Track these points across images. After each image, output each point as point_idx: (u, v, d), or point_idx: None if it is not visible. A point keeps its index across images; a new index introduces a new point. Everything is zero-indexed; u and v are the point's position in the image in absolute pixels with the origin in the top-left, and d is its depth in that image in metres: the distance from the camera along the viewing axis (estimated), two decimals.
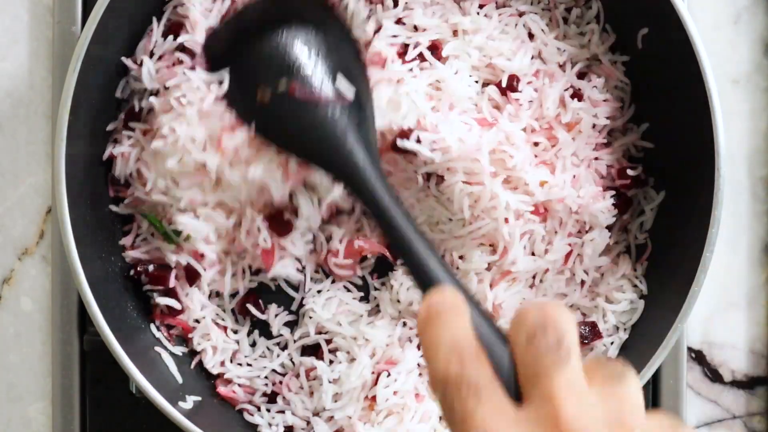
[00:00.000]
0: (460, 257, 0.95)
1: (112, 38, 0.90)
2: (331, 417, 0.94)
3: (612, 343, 0.96)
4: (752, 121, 1.07)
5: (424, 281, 0.70)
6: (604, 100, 0.96)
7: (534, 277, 0.96)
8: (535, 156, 0.94)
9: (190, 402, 0.93)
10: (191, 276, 0.95)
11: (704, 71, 0.88)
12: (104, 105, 0.94)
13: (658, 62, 0.94)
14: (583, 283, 0.97)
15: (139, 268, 0.96)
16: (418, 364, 0.95)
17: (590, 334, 0.95)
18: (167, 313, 0.96)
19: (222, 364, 0.97)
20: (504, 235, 0.93)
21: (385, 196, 0.81)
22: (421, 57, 0.94)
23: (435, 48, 0.95)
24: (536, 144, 0.95)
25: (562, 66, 0.96)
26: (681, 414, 1.02)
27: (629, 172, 0.96)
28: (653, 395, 1.02)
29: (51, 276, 1.03)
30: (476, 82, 0.95)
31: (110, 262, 0.95)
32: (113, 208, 0.96)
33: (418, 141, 0.92)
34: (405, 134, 0.92)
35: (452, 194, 0.94)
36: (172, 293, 0.96)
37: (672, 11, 0.89)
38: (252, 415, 0.96)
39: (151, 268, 0.96)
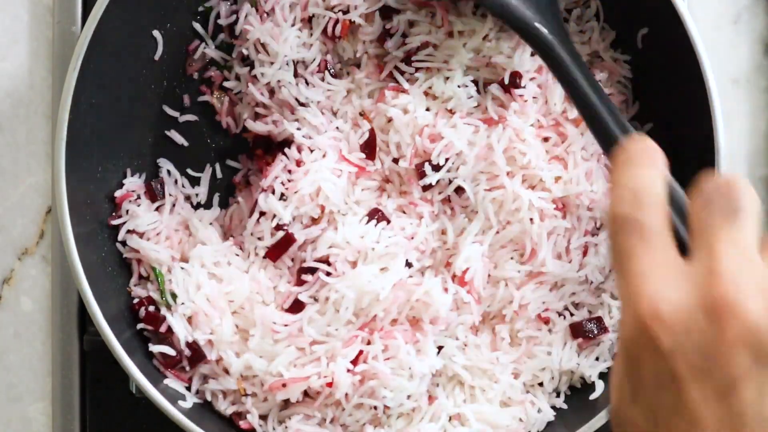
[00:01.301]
0: (494, 266, 0.95)
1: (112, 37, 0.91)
2: (343, 423, 0.94)
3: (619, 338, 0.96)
4: (752, 121, 1.07)
5: (610, 136, 0.76)
6: (609, 95, 0.96)
7: (556, 283, 0.96)
8: (546, 152, 0.94)
9: (190, 402, 0.92)
10: (196, 355, 0.94)
11: (704, 71, 0.88)
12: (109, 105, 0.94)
13: (659, 62, 0.94)
14: (591, 282, 0.97)
15: (136, 301, 0.95)
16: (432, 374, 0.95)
17: (597, 328, 0.95)
18: (163, 362, 0.94)
19: (234, 402, 0.95)
20: (532, 236, 0.93)
21: (573, 65, 0.86)
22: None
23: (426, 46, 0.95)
24: (546, 140, 0.95)
25: None
26: None
27: None
28: None
29: (51, 276, 1.03)
30: (473, 81, 0.95)
31: (110, 262, 0.95)
32: (120, 248, 0.96)
33: (436, 168, 0.92)
34: (420, 169, 0.93)
35: (476, 204, 0.93)
36: (166, 339, 0.93)
37: (672, 11, 0.89)
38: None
39: (152, 308, 0.94)
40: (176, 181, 0.99)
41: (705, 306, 0.48)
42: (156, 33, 0.96)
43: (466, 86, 0.95)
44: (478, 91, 0.95)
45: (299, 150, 0.95)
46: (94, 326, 0.89)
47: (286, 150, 0.96)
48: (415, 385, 0.92)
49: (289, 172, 0.94)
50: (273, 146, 0.98)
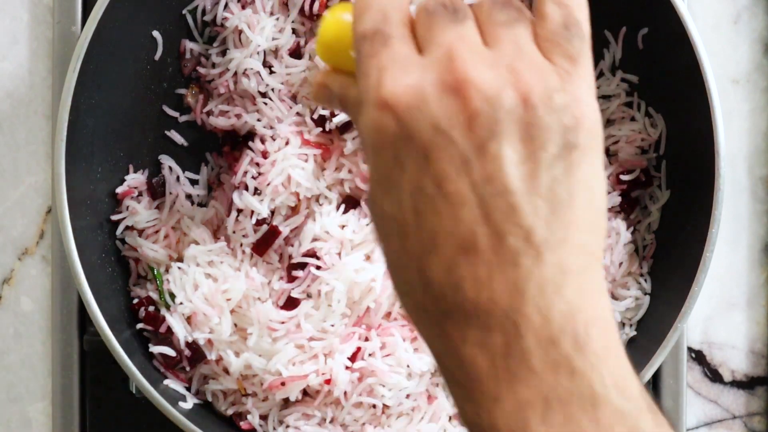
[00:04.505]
0: None
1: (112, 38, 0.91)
2: (343, 423, 0.94)
3: None
4: (752, 121, 1.07)
5: None
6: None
7: None
8: None
9: (190, 403, 0.92)
10: (196, 355, 0.93)
11: (704, 71, 0.88)
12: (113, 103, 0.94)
13: (659, 62, 0.94)
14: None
15: (135, 301, 0.95)
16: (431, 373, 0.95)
17: None
18: (163, 362, 0.94)
19: (234, 403, 0.95)
20: None
21: None
22: None
23: None
24: None
25: None
26: (681, 414, 1.02)
27: (622, 177, 0.96)
28: (653, 395, 1.02)
29: (51, 276, 1.03)
30: None
31: (110, 262, 0.95)
32: (119, 246, 0.96)
33: None
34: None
35: None
36: (166, 340, 0.93)
37: (672, 11, 0.89)
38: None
39: (151, 308, 0.94)
40: (178, 178, 0.99)
41: (442, 83, 0.49)
42: (156, 33, 0.96)
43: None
44: None
45: (263, 141, 0.95)
46: (94, 326, 0.89)
47: (250, 143, 0.96)
48: (414, 384, 0.92)
49: (257, 165, 0.94)
50: (239, 141, 0.98)
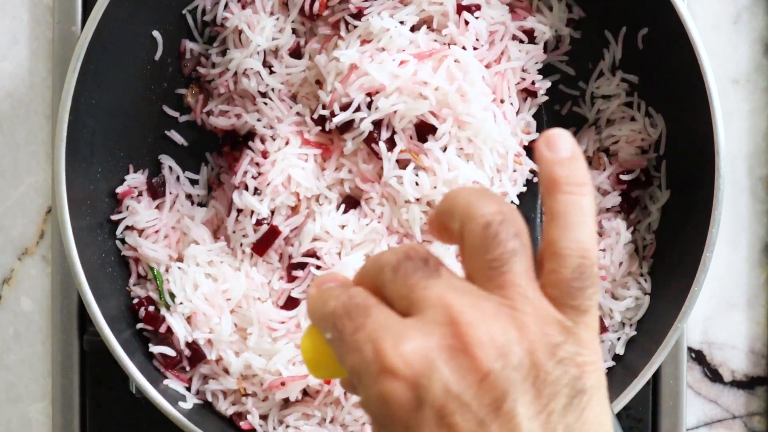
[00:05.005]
0: None
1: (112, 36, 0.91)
2: (343, 423, 0.94)
3: (619, 338, 0.96)
4: (752, 121, 1.07)
5: None
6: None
7: None
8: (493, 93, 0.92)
9: (190, 403, 0.92)
10: (196, 355, 0.93)
11: (704, 71, 0.88)
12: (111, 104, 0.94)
13: (659, 62, 0.94)
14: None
15: (135, 301, 0.95)
16: None
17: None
18: (163, 362, 0.94)
19: (234, 403, 0.95)
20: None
21: None
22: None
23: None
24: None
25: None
26: (681, 414, 1.02)
27: (622, 177, 0.96)
28: (653, 395, 1.02)
29: (51, 276, 1.03)
30: (423, 22, 0.93)
31: (110, 262, 0.95)
32: (119, 246, 0.96)
33: (357, 109, 0.90)
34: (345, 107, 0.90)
35: (384, 156, 0.90)
36: (166, 340, 0.93)
37: (672, 11, 0.89)
38: None
39: (151, 308, 0.94)
40: (178, 178, 0.99)
41: (448, 347, 0.49)
42: (156, 33, 0.96)
43: (402, 23, 0.92)
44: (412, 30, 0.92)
45: (263, 141, 0.95)
46: (94, 326, 0.89)
47: (250, 143, 0.95)
48: None
49: (257, 165, 0.94)
50: (239, 141, 0.98)
